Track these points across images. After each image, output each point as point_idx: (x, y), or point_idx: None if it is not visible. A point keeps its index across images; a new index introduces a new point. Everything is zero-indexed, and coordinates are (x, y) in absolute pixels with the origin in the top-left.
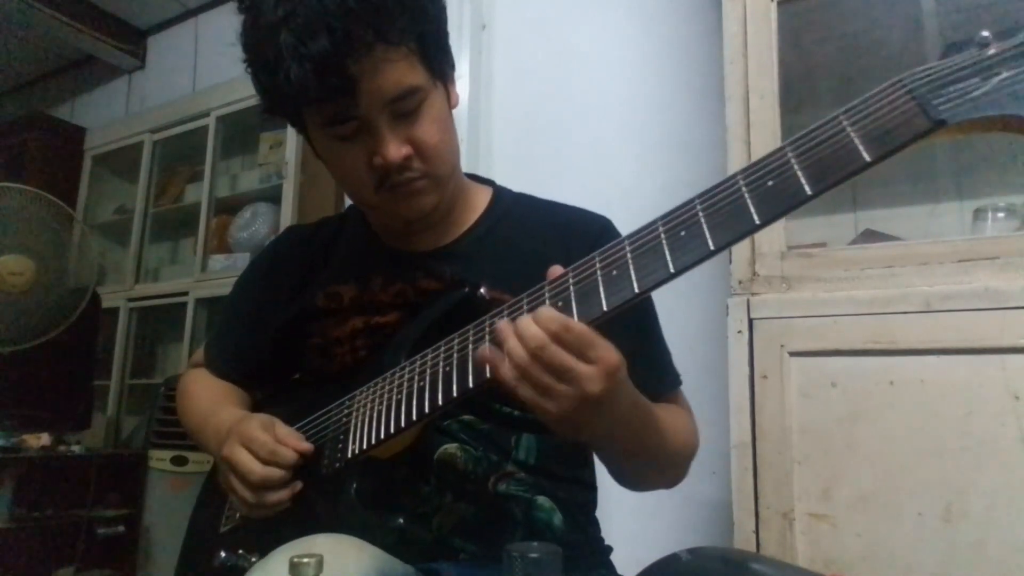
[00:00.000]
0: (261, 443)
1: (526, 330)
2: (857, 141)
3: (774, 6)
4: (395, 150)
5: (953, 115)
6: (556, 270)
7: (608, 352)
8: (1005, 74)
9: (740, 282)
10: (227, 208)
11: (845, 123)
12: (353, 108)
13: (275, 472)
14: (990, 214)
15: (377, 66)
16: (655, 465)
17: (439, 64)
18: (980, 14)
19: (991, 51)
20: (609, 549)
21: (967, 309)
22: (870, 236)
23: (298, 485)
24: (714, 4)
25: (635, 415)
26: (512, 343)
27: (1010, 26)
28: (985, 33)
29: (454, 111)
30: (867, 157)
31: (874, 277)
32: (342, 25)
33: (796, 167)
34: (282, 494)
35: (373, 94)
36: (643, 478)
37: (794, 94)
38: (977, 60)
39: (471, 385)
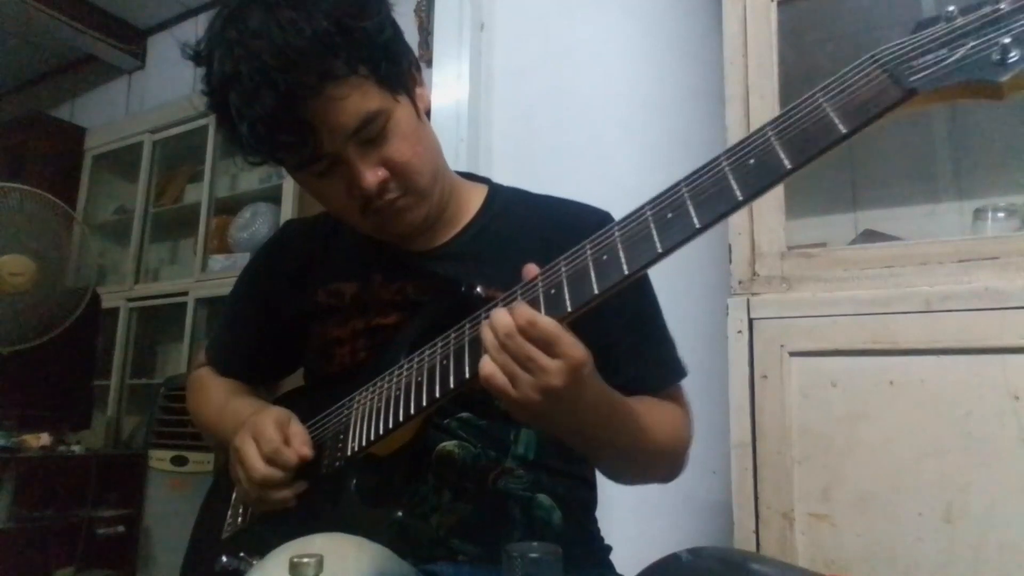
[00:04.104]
0: (267, 440)
1: (497, 320)
2: (833, 115)
3: (774, 6)
4: (370, 177)
5: (924, 84)
6: (531, 269)
7: (572, 349)
8: (972, 43)
9: (740, 282)
10: (227, 208)
11: (821, 99)
12: (318, 149)
13: (276, 473)
14: (990, 214)
15: (329, 105)
16: (635, 461)
17: (395, 78)
18: None
19: (958, 23)
20: (608, 548)
21: (967, 309)
22: (870, 236)
23: (303, 486)
24: (714, 4)
25: (603, 411)
26: (485, 333)
27: (975, 1)
28: (951, 8)
29: (453, 110)
30: (843, 129)
31: (874, 277)
32: (284, 78)
33: (776, 144)
34: (285, 493)
35: (333, 132)
36: (625, 473)
37: (794, 94)
38: (945, 32)
39: (467, 376)
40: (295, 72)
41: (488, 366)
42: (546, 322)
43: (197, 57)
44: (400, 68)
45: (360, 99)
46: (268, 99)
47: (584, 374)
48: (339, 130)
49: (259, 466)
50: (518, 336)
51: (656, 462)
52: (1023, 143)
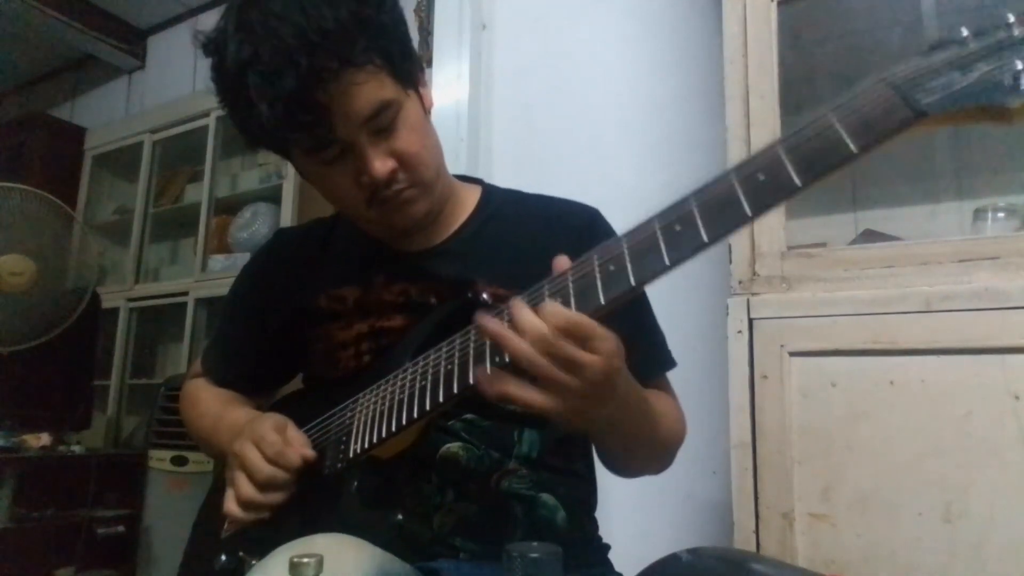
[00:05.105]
0: (270, 442)
1: (533, 328)
2: (844, 134)
3: (774, 6)
4: (380, 166)
5: (935, 106)
6: (563, 261)
7: (608, 338)
8: (984, 67)
9: (740, 282)
10: (227, 208)
11: (833, 118)
12: (331, 134)
13: (280, 474)
14: (990, 214)
15: (346, 90)
16: (650, 449)
17: (407, 73)
18: (980, 14)
19: (970, 47)
20: (607, 547)
21: (967, 309)
22: (870, 236)
23: (292, 487)
24: (714, 4)
25: (632, 399)
26: (515, 343)
27: (989, 24)
28: (964, 32)
29: (453, 110)
30: (853, 148)
31: (874, 277)
32: (306, 60)
33: (786, 161)
34: (283, 496)
35: (348, 117)
36: (637, 464)
37: (794, 94)
38: (957, 56)
39: (471, 382)
40: (317, 55)
41: (520, 391)
42: (583, 318)
43: (208, 44)
44: (411, 65)
45: (376, 87)
46: (289, 79)
47: (619, 362)
48: (354, 116)
49: (263, 467)
50: (558, 339)
51: (663, 451)
52: (1023, 143)
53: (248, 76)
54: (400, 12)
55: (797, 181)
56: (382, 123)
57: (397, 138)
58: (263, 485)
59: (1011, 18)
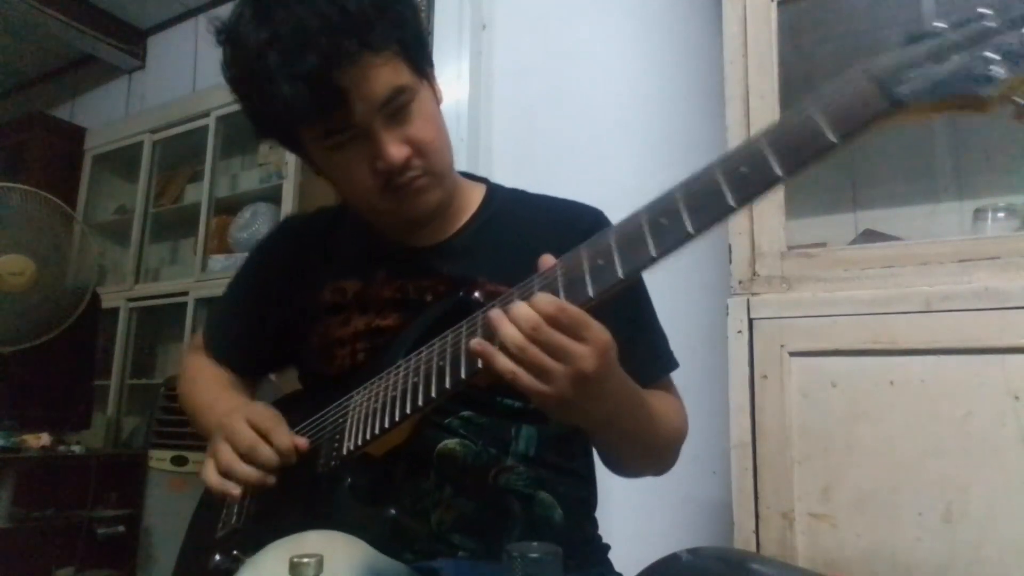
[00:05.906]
0: (263, 417)
1: (520, 313)
2: (823, 125)
3: (774, 6)
4: (396, 151)
5: (912, 96)
6: (547, 260)
7: (600, 332)
8: (959, 58)
9: (740, 282)
10: (227, 208)
11: (812, 109)
12: (348, 117)
13: (264, 448)
14: (990, 214)
15: (365, 73)
16: (648, 449)
17: (421, 63)
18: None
19: (946, 38)
20: (607, 547)
21: (967, 309)
22: (870, 236)
23: (273, 471)
24: (714, 4)
25: (628, 398)
26: (507, 328)
27: (964, 16)
28: (939, 24)
29: (453, 110)
30: (833, 139)
31: (874, 277)
32: (327, 40)
33: (768, 153)
34: (257, 474)
35: (365, 101)
36: (636, 463)
37: (794, 94)
38: (933, 47)
39: (463, 376)
40: (338, 36)
41: (508, 364)
42: (573, 308)
43: (222, 31)
44: (425, 57)
45: (392, 72)
46: (311, 58)
47: (611, 357)
48: (371, 99)
49: (249, 435)
50: (546, 327)
51: (663, 451)
52: (1023, 143)
53: (269, 56)
54: (415, 3)
55: (779, 172)
56: (397, 108)
57: (412, 125)
58: (244, 453)
59: (985, 10)
